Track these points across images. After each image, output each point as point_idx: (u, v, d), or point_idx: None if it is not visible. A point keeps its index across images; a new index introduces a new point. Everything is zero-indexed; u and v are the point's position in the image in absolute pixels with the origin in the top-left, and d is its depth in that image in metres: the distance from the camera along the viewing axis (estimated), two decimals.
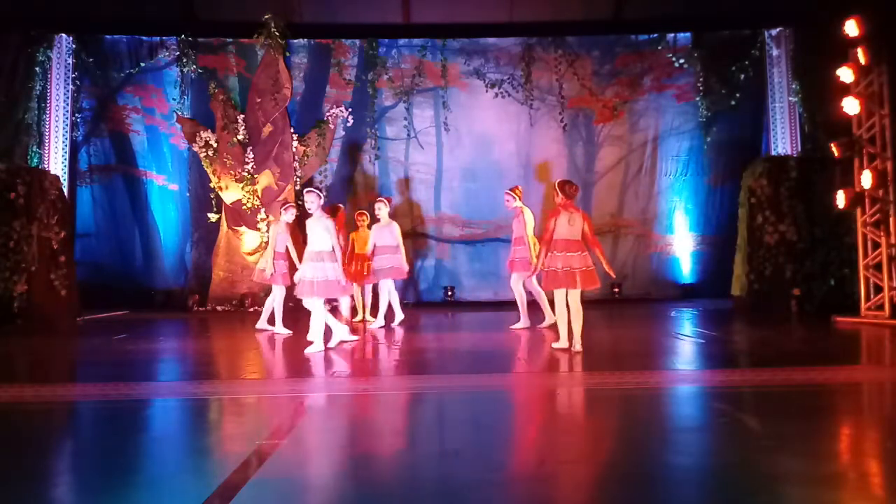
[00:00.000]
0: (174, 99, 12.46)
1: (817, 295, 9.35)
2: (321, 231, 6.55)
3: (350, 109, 12.33)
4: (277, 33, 11.56)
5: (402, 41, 12.68)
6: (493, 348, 7.01)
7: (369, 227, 8.96)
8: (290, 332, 7.93)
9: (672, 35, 12.57)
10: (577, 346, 6.16)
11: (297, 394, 4.84)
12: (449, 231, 12.62)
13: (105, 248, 12.55)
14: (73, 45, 12.37)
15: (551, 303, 6.94)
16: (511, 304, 8.65)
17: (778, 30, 12.37)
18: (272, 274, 8.07)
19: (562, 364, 5.97)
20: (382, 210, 8.57)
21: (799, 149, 11.94)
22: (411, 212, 12.67)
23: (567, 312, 6.24)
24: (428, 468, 3.12)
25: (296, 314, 8.78)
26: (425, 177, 12.77)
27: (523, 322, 8.14)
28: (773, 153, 11.98)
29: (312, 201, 6.64)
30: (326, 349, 6.52)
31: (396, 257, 8.47)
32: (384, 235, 8.47)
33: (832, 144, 8.82)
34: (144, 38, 12.48)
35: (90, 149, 12.60)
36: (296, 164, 12.02)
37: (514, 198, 8.23)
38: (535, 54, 12.64)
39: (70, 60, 12.34)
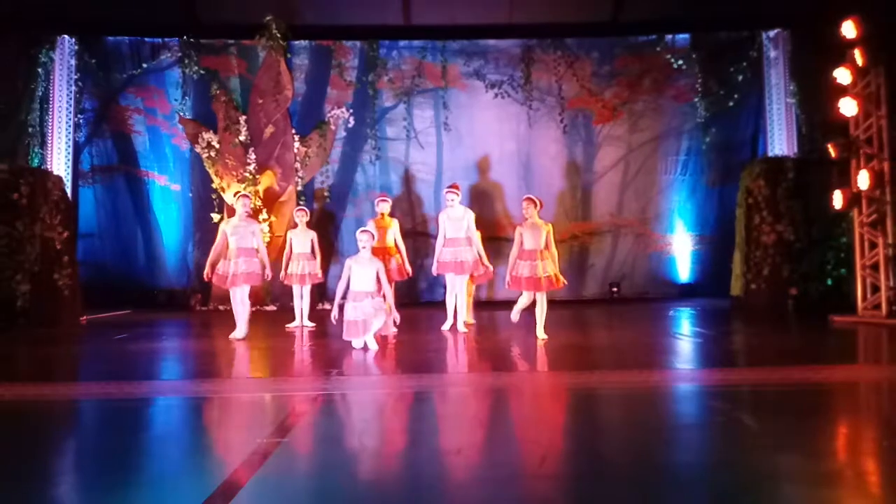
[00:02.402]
0: (176, 100, 12.50)
1: (814, 295, 9.38)
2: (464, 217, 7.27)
3: (351, 110, 12.39)
4: (279, 35, 11.62)
5: (402, 43, 12.73)
6: (489, 348, 7.05)
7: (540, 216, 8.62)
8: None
9: (670, 36, 12.62)
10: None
11: (298, 392, 4.86)
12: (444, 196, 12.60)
13: (108, 249, 12.59)
14: (76, 47, 12.41)
15: None
16: (505, 305, 8.68)
17: (775, 31, 12.40)
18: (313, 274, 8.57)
19: (561, 363, 6.01)
20: (455, 200, 7.84)
21: (796, 150, 11.96)
22: (412, 211, 12.73)
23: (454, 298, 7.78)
24: (427, 467, 3.12)
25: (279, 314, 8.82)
26: (426, 176, 12.82)
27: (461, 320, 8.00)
28: (771, 154, 12.00)
29: (454, 198, 7.28)
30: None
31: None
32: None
33: (829, 145, 8.85)
34: (146, 39, 12.52)
35: (92, 149, 12.64)
36: (297, 165, 12.08)
37: (459, 195, 7.85)
38: (534, 55, 12.69)
39: (72, 62, 12.38)
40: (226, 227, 7.48)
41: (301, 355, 6.81)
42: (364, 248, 6.60)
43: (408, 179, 12.82)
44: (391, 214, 8.79)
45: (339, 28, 12.50)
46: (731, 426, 3.76)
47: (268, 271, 7.60)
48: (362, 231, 6.76)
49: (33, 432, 3.91)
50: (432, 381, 5.21)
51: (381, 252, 7.91)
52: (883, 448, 3.33)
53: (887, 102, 8.44)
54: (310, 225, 9.05)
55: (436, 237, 8.10)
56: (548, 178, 12.77)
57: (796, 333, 8.03)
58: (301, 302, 8.62)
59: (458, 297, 8.03)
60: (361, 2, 11.92)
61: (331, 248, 12.62)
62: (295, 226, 8.92)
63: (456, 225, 7.79)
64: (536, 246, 6.95)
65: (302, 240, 8.64)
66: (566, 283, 7.24)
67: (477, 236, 7.94)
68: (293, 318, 8.62)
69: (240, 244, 7.40)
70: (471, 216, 7.89)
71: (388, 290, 6.69)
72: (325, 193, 12.62)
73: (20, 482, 2.93)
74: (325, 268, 12.08)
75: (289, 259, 8.62)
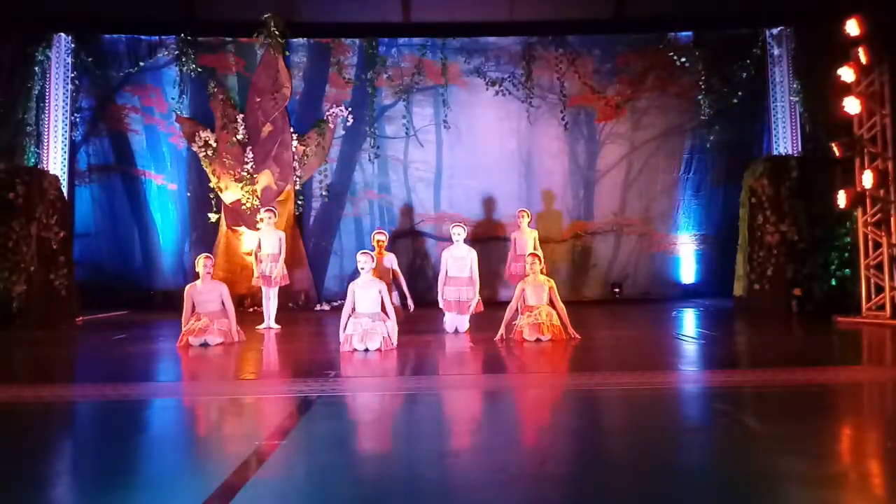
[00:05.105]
0: (173, 98, 12.43)
1: (818, 295, 9.32)
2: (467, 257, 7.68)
3: (350, 109, 12.32)
4: (277, 32, 11.56)
5: (401, 40, 12.67)
6: (489, 351, 6.99)
7: (530, 225, 9.05)
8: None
9: (673, 34, 12.56)
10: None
11: (296, 394, 4.82)
12: (449, 229, 12.59)
13: (104, 248, 12.53)
14: (72, 45, 12.34)
15: None
16: (502, 306, 8.66)
17: (779, 29, 12.36)
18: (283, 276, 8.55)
19: (562, 365, 5.96)
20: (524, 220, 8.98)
21: (800, 148, 11.92)
22: (411, 210, 12.67)
23: None
24: (427, 469, 3.10)
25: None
26: (425, 175, 12.75)
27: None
28: (775, 153, 11.96)
29: (460, 234, 7.79)
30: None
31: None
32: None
33: (833, 144, 8.81)
34: (143, 37, 12.45)
35: (89, 148, 12.57)
36: (295, 164, 12.01)
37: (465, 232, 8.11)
38: (535, 53, 12.63)
39: (69, 60, 12.31)
40: (191, 291, 7.16)
41: (299, 357, 6.75)
42: (363, 269, 6.55)
43: (407, 178, 12.74)
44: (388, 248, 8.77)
45: (337, 25, 12.45)
46: (735, 428, 3.73)
47: (234, 335, 7.21)
48: (362, 253, 6.71)
49: (29, 434, 3.88)
50: (432, 382, 5.17)
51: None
52: (887, 450, 3.31)
53: (891, 101, 8.38)
54: (278, 225, 8.97)
55: (434, 237, 8.10)
56: (549, 176, 12.71)
57: (800, 334, 7.98)
58: (269, 303, 8.56)
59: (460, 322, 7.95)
60: None
61: (329, 247, 12.57)
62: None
63: (459, 264, 7.79)
64: (539, 302, 7.07)
65: (270, 241, 8.53)
66: (578, 336, 7.12)
67: (477, 278, 7.83)
68: (290, 319, 8.58)
69: (205, 308, 7.10)
70: (474, 256, 7.87)
71: (391, 310, 6.64)
72: (324, 192, 12.55)
73: (17, 484, 2.91)
74: (304, 267, 12.04)
75: (259, 261, 8.54)
